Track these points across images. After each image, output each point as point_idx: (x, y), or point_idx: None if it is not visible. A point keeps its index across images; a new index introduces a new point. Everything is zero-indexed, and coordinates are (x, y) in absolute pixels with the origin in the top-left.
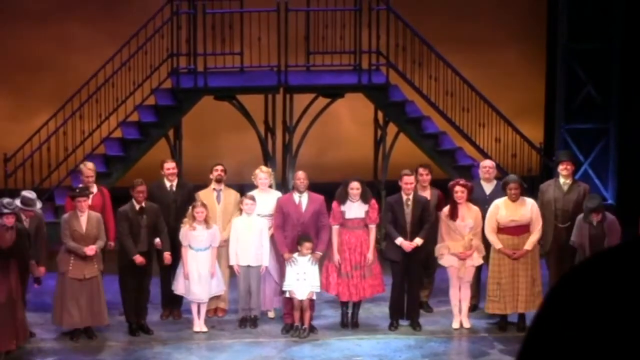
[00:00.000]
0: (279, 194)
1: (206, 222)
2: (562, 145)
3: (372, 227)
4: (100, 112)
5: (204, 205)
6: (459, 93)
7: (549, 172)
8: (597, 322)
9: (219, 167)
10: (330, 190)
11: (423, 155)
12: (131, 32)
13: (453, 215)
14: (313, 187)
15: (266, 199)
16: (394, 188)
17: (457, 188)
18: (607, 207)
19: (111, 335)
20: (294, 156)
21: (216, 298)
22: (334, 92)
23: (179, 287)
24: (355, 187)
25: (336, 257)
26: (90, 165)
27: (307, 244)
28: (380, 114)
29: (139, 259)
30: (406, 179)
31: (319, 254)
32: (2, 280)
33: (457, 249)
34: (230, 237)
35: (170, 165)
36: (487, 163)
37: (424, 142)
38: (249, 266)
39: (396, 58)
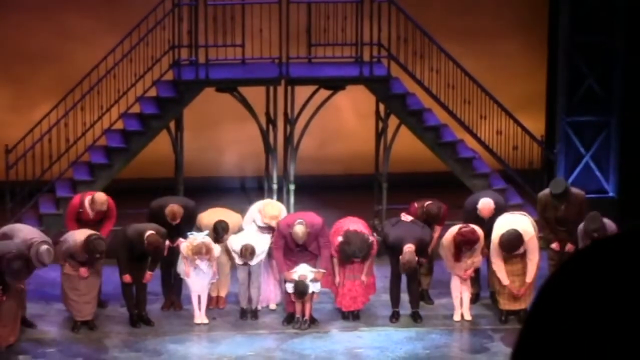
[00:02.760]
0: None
1: (209, 260)
2: (564, 137)
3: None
4: (101, 103)
5: (208, 251)
6: (460, 85)
7: (551, 165)
8: (594, 310)
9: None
10: (331, 183)
11: (424, 148)
12: (132, 23)
13: (457, 258)
14: (314, 180)
15: (263, 239)
16: (396, 182)
17: (464, 248)
18: (610, 201)
19: (112, 327)
20: (295, 148)
21: (216, 287)
22: (335, 84)
23: (181, 269)
24: (356, 261)
25: (337, 279)
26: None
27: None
28: (381, 106)
29: (127, 278)
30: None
31: (322, 271)
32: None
33: (459, 271)
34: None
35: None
36: (486, 207)
37: (425, 134)
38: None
39: (397, 50)
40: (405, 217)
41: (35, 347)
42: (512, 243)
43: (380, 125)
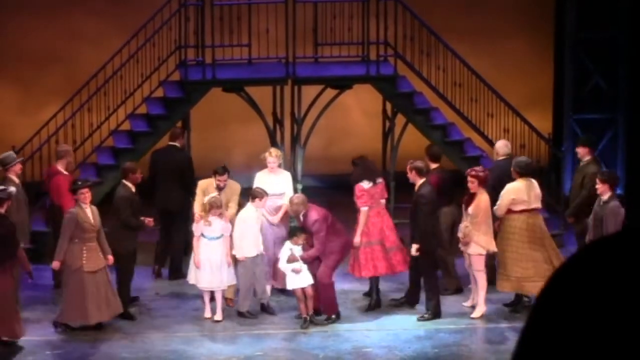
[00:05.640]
0: (288, 174)
1: (220, 215)
2: (571, 135)
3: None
4: (108, 104)
5: (219, 206)
6: (467, 84)
7: (557, 162)
8: (597, 310)
9: (222, 178)
10: (338, 182)
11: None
12: (139, 24)
13: (466, 203)
14: (321, 179)
15: (275, 179)
16: (404, 180)
17: (469, 178)
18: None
19: (120, 327)
20: (302, 147)
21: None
22: (342, 84)
23: (191, 277)
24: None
25: (357, 240)
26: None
27: (302, 235)
28: (388, 105)
29: (150, 222)
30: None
31: (299, 263)
32: (8, 270)
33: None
34: (235, 230)
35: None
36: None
37: (433, 133)
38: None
39: (404, 49)
40: None
41: (43, 349)
42: (530, 164)
43: (387, 124)
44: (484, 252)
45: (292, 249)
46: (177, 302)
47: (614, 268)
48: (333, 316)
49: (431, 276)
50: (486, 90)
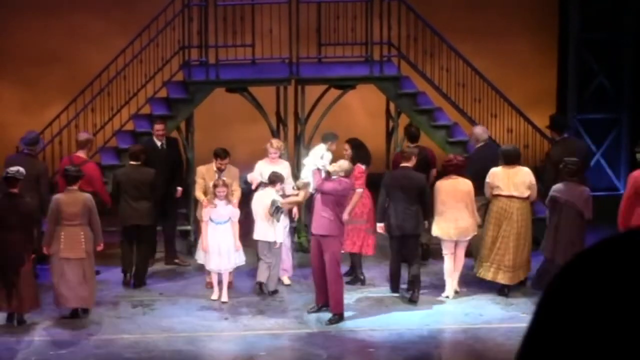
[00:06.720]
0: (287, 163)
1: (226, 198)
2: (575, 135)
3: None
4: (112, 104)
5: (224, 184)
6: (470, 84)
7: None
8: (603, 312)
9: (224, 162)
10: None
11: (435, 146)
12: (143, 24)
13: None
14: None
15: (273, 169)
16: None
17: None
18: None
19: (124, 327)
20: (305, 147)
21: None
22: (345, 84)
23: (200, 257)
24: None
25: (345, 216)
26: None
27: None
28: (392, 105)
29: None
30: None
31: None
32: (31, 248)
33: None
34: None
35: (159, 127)
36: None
37: (436, 133)
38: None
39: (407, 49)
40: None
41: (46, 349)
42: (513, 152)
43: (391, 124)
44: (444, 237)
45: (323, 154)
46: (181, 301)
47: (623, 267)
48: (337, 316)
49: (391, 256)
50: (490, 91)
